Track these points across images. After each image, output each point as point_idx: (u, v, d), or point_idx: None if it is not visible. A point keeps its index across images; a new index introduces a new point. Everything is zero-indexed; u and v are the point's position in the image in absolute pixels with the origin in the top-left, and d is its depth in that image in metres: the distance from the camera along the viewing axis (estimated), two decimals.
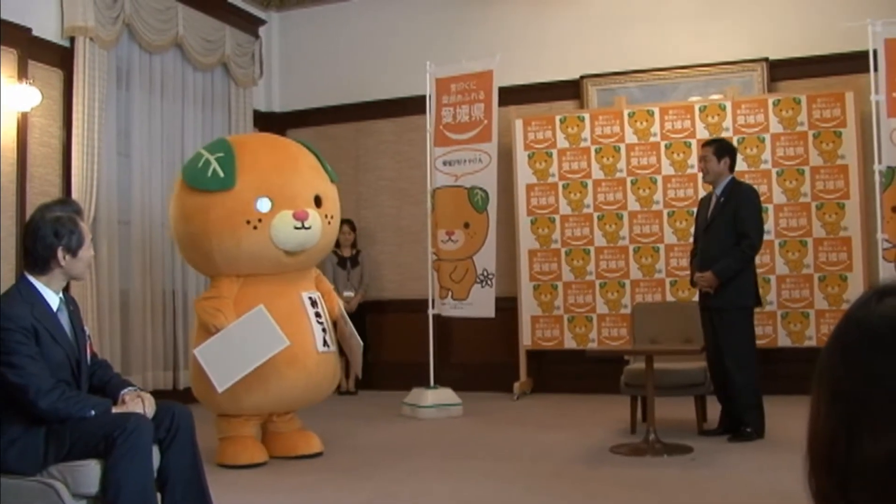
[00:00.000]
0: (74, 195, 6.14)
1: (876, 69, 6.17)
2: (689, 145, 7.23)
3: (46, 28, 6.28)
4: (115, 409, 3.06)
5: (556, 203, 7.57)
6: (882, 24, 6.14)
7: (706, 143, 5.67)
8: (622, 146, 7.41)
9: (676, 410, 5.89)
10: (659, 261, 7.29)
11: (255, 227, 4.79)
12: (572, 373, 7.42)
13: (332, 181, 5.25)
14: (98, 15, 6.45)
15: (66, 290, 3.24)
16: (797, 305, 6.93)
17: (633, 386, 5.56)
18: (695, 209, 6.23)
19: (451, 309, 7.21)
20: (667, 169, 7.30)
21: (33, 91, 5.95)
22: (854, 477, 0.87)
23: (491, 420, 6.40)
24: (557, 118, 7.60)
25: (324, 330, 5.01)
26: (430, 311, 7.12)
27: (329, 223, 5.07)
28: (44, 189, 6.14)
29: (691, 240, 5.98)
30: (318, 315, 5.02)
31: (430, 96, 7.30)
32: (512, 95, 7.61)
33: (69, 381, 3.05)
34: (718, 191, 5.48)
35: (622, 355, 6.27)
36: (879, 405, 0.86)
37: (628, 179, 7.39)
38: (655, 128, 7.33)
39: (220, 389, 4.56)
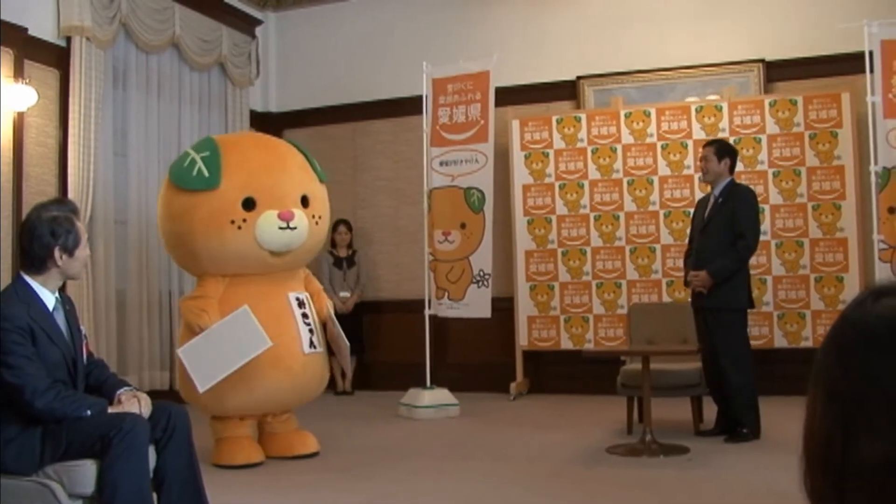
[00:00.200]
0: (71, 195, 6.13)
1: (872, 70, 6.18)
2: (685, 146, 7.24)
3: (43, 28, 6.27)
4: (111, 409, 3.06)
5: (552, 203, 7.57)
6: (878, 25, 6.15)
7: (707, 143, 5.68)
8: (619, 147, 7.41)
9: (673, 411, 5.89)
10: (655, 261, 7.29)
11: (239, 228, 4.76)
12: (569, 373, 7.42)
13: (320, 181, 5.21)
14: (94, 15, 6.44)
15: (62, 289, 3.23)
16: (793, 306, 6.94)
17: (629, 386, 5.56)
18: (691, 210, 6.24)
19: (447, 309, 7.21)
20: (663, 170, 7.31)
21: (30, 91, 5.95)
22: (850, 477, 0.87)
23: (487, 420, 6.40)
24: (554, 119, 7.60)
25: (311, 331, 4.97)
26: (427, 312, 7.12)
27: (317, 224, 5.03)
28: (40, 189, 6.13)
29: (687, 240, 5.99)
30: (305, 316, 4.98)
31: (426, 96, 7.30)
32: (508, 96, 7.61)
33: (65, 381, 3.05)
34: (717, 191, 5.49)
35: (619, 356, 6.26)
36: (876, 405, 0.86)
37: (625, 180, 7.39)
38: (652, 128, 7.34)
39: (201, 389, 4.53)
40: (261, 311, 4.65)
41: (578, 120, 7.53)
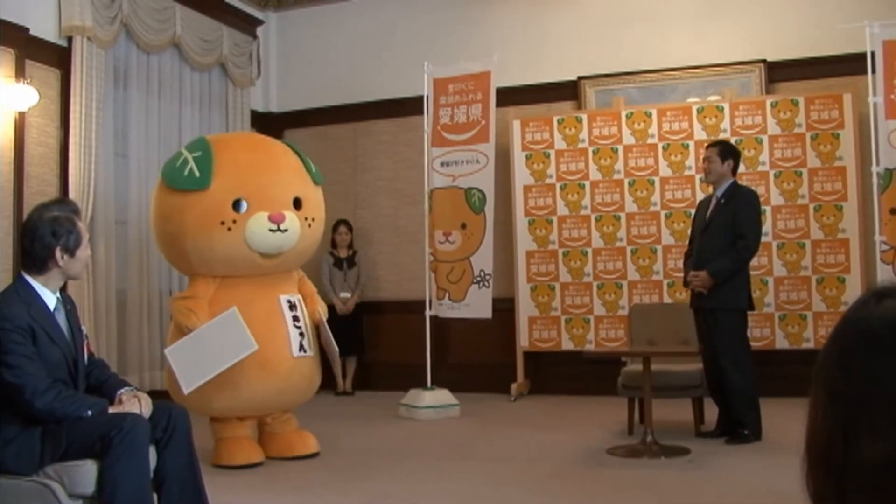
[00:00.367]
0: (71, 195, 6.13)
1: (874, 71, 6.18)
2: (686, 147, 7.23)
3: (44, 28, 6.27)
4: (111, 409, 3.06)
5: (553, 204, 7.57)
6: (880, 25, 6.15)
7: (711, 144, 5.68)
8: (620, 147, 7.41)
9: (674, 412, 5.89)
10: (656, 262, 7.29)
11: (229, 229, 4.73)
12: (569, 374, 7.41)
13: (315, 183, 5.16)
14: (96, 15, 6.44)
15: (63, 289, 3.23)
16: (795, 307, 6.93)
17: (630, 387, 5.55)
18: (692, 211, 6.23)
19: (448, 310, 7.21)
20: (664, 170, 7.30)
21: (31, 91, 5.95)
22: (851, 478, 0.87)
23: (488, 421, 6.39)
24: (555, 119, 7.60)
25: (301, 334, 4.93)
26: (427, 312, 7.12)
27: (310, 226, 4.99)
28: (41, 189, 6.13)
29: (688, 241, 5.98)
30: (296, 319, 4.94)
31: (427, 97, 7.30)
32: (510, 96, 7.61)
33: (66, 381, 3.05)
34: (719, 192, 5.48)
35: (619, 357, 6.26)
36: (877, 406, 0.86)
37: (626, 181, 7.39)
38: (653, 129, 7.34)
39: (185, 391, 4.51)
40: (251, 313, 4.62)
41: (579, 120, 7.53)
